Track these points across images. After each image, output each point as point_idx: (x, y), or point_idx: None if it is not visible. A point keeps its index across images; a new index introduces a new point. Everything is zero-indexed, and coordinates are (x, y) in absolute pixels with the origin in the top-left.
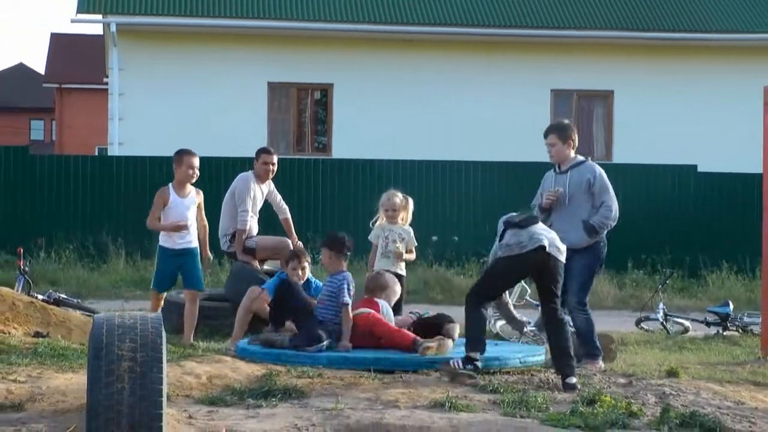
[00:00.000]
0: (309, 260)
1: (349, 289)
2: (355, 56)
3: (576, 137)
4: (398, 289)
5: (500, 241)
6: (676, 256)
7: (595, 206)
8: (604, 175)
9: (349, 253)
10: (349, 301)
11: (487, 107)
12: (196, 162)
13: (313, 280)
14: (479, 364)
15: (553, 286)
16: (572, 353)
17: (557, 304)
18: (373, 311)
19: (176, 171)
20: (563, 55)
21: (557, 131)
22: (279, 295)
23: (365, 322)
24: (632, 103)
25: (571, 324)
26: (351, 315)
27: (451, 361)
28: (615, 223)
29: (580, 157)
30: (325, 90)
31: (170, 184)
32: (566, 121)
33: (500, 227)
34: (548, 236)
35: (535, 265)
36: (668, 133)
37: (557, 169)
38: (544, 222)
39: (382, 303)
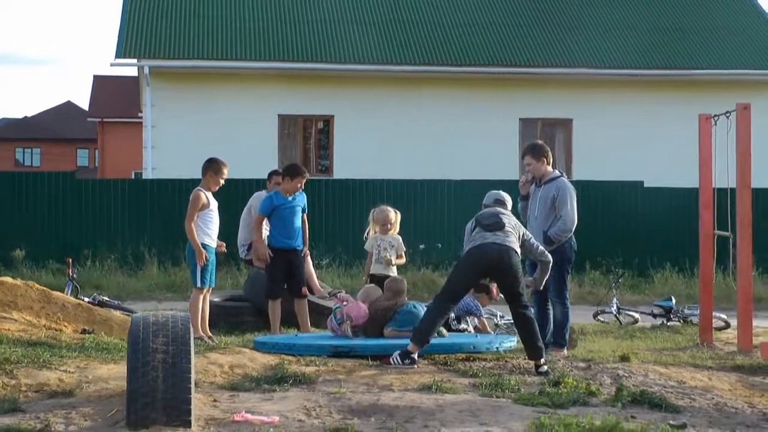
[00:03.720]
0: (306, 177)
1: None
2: (353, 91)
3: (549, 154)
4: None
5: (471, 234)
6: (627, 259)
7: (557, 217)
8: (569, 190)
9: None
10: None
11: (465, 133)
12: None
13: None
14: (416, 356)
15: (513, 286)
16: (541, 344)
17: (522, 302)
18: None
19: (212, 178)
20: (530, 89)
21: (531, 152)
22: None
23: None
24: (589, 129)
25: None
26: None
27: (391, 358)
28: (570, 234)
29: (556, 173)
30: (328, 120)
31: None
32: (539, 142)
33: (471, 224)
34: (507, 239)
35: (493, 261)
36: (619, 154)
37: (537, 183)
38: (524, 209)
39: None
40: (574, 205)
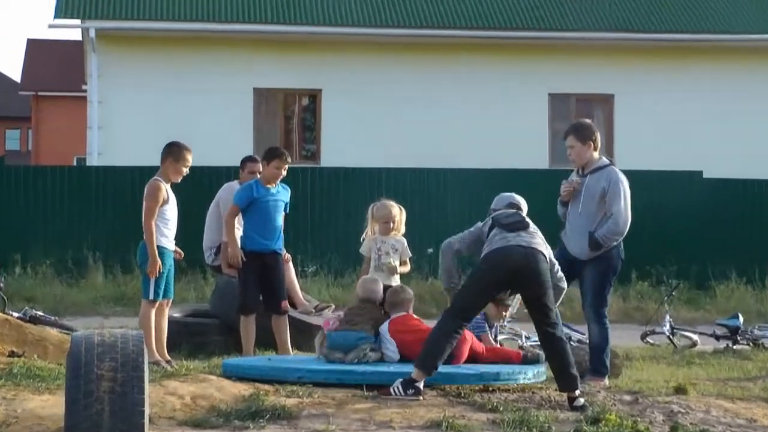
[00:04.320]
0: (289, 161)
1: None
2: (344, 60)
3: (597, 137)
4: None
5: (486, 237)
6: (683, 267)
7: (607, 216)
8: (623, 182)
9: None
10: None
11: (483, 112)
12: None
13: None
14: (421, 386)
15: (541, 297)
16: (575, 372)
17: (552, 318)
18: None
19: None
20: (561, 58)
21: (576, 132)
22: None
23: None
24: (634, 107)
25: (575, 339)
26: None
27: (391, 388)
28: (622, 237)
29: (604, 160)
30: (314, 95)
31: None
32: (586, 121)
33: (485, 224)
34: (533, 241)
35: (517, 267)
36: (672, 137)
37: (580, 172)
38: (562, 217)
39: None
40: (628, 202)
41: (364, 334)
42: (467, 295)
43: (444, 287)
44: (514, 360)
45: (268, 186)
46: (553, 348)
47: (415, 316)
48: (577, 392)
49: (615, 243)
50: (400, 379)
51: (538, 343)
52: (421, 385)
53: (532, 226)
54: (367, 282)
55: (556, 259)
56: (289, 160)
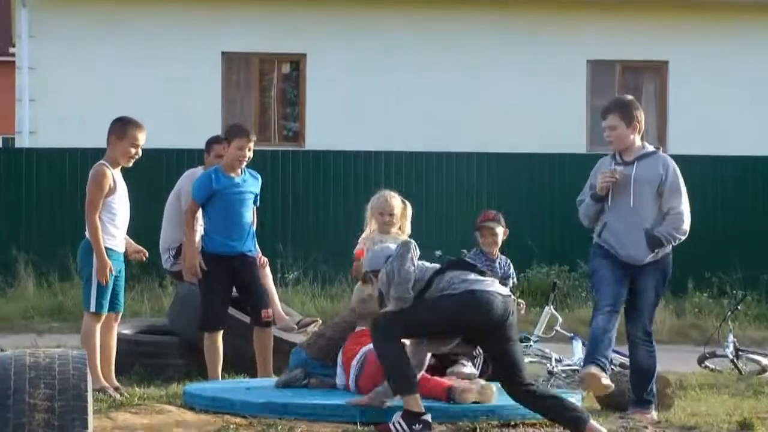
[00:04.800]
0: (254, 139)
1: None
2: (333, 19)
3: (642, 118)
4: None
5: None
6: (750, 275)
7: (662, 212)
8: (679, 173)
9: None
10: None
11: (505, 84)
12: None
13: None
14: (428, 418)
15: (516, 349)
16: (577, 409)
17: (524, 373)
18: None
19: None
20: (603, 17)
21: (620, 110)
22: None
23: (379, 368)
24: (692, 78)
25: (618, 362)
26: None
27: (391, 424)
28: (685, 237)
29: (650, 147)
30: (297, 62)
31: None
32: (629, 97)
33: (423, 266)
34: (505, 289)
35: (495, 319)
36: (739, 115)
37: (618, 159)
38: (596, 217)
39: None
40: (686, 195)
41: (305, 356)
42: (421, 325)
43: (395, 295)
44: (438, 390)
45: (232, 174)
46: (537, 401)
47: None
48: (595, 425)
49: (676, 243)
50: (399, 413)
51: (572, 366)
52: (428, 417)
53: None
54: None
55: (601, 271)
56: (254, 138)
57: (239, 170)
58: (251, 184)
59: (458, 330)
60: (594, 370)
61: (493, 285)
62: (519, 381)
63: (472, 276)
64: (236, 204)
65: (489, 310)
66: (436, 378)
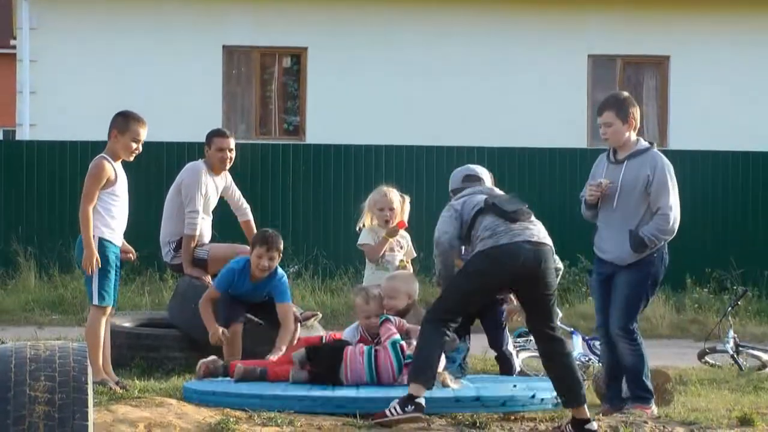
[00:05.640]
0: (281, 248)
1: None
2: (335, 13)
3: (638, 114)
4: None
5: (469, 229)
6: (751, 270)
7: (650, 211)
8: (669, 170)
9: None
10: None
11: (506, 78)
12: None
13: (282, 276)
14: (422, 401)
15: (547, 299)
16: (580, 382)
17: (554, 323)
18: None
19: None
20: (605, 11)
21: (615, 106)
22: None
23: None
24: (694, 73)
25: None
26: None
27: (387, 410)
28: (672, 237)
29: (643, 143)
30: (298, 55)
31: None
32: (625, 94)
33: (471, 205)
34: (541, 234)
35: (527, 269)
36: (740, 110)
37: (612, 157)
38: (592, 219)
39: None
40: (677, 194)
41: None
42: (458, 296)
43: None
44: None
45: (253, 279)
46: (554, 355)
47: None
48: (586, 409)
49: (664, 242)
50: (396, 399)
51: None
52: (422, 401)
53: (533, 215)
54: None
55: (593, 289)
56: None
57: (262, 274)
58: (271, 287)
59: (494, 285)
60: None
61: (522, 233)
62: (548, 332)
63: (502, 226)
64: (250, 299)
65: (516, 261)
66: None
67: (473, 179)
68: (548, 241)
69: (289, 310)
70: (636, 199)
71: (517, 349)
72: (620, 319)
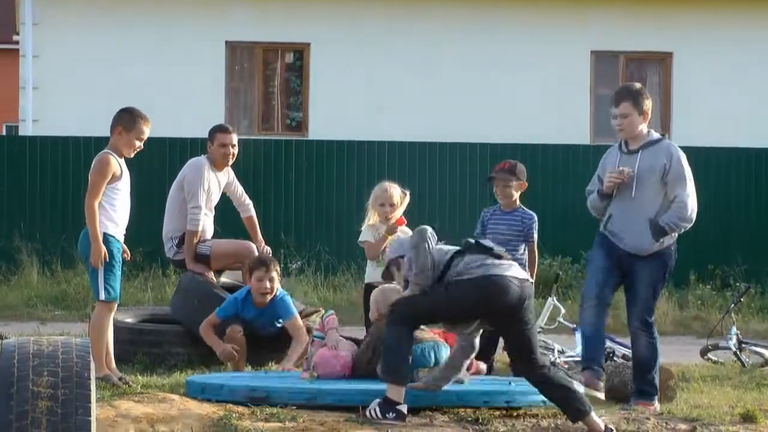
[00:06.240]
0: (278, 269)
1: None
2: (338, 8)
3: (650, 106)
4: None
5: (445, 268)
6: (754, 267)
7: (668, 200)
8: (684, 160)
9: None
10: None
11: (509, 74)
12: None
13: (283, 294)
14: (404, 409)
15: (532, 334)
16: (580, 395)
17: (538, 360)
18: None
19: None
20: (608, 8)
21: (632, 98)
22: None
23: None
24: (697, 69)
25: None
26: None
27: (367, 410)
28: (690, 225)
29: (655, 134)
30: (301, 51)
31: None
32: (638, 85)
33: (441, 251)
34: (523, 271)
35: (513, 304)
36: (744, 107)
37: (624, 148)
38: (603, 210)
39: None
40: (692, 184)
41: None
42: (438, 309)
43: (415, 280)
44: None
45: (257, 305)
46: (544, 382)
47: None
48: (595, 417)
49: (681, 232)
50: (377, 400)
51: (574, 357)
52: (404, 408)
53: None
54: (390, 294)
55: (594, 261)
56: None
57: (264, 298)
58: (278, 314)
59: (475, 314)
60: (590, 380)
61: (510, 269)
62: (532, 363)
63: (489, 260)
64: (259, 328)
65: (505, 295)
66: None
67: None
68: (529, 277)
69: (298, 324)
70: (653, 188)
71: None
72: (642, 313)
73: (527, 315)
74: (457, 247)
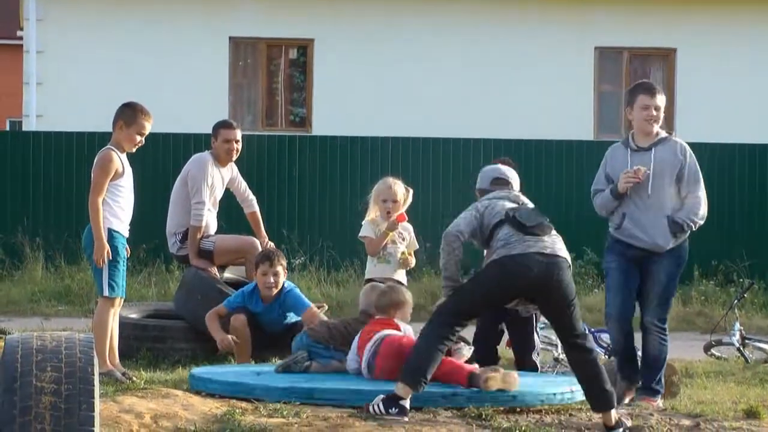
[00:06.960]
0: (284, 263)
1: None
2: (342, 4)
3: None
4: (412, 302)
5: (488, 239)
6: (758, 263)
7: (680, 197)
8: (695, 157)
9: None
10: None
11: (513, 70)
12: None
13: (291, 287)
14: (407, 404)
15: (565, 311)
16: (610, 387)
17: (578, 330)
18: (405, 335)
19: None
20: (611, 4)
21: (660, 92)
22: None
23: (396, 350)
24: (700, 65)
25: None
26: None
27: (370, 406)
28: (703, 222)
29: (663, 132)
30: (304, 47)
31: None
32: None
33: (492, 212)
34: (556, 246)
35: (538, 280)
36: (747, 103)
37: (633, 145)
38: (609, 212)
39: (404, 326)
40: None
41: (306, 341)
42: (469, 300)
43: (448, 284)
44: (457, 378)
45: (264, 299)
46: (582, 363)
47: (396, 321)
48: (614, 414)
49: (694, 229)
50: (381, 396)
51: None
52: (407, 403)
53: (553, 229)
54: (370, 292)
55: (613, 275)
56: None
57: (270, 292)
58: (288, 307)
59: (504, 295)
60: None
61: (535, 245)
62: (570, 341)
63: (515, 237)
64: (268, 324)
65: (526, 273)
66: (459, 362)
67: (501, 182)
68: (563, 254)
69: (315, 313)
70: (668, 184)
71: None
72: (658, 311)
73: (560, 291)
74: (501, 216)
